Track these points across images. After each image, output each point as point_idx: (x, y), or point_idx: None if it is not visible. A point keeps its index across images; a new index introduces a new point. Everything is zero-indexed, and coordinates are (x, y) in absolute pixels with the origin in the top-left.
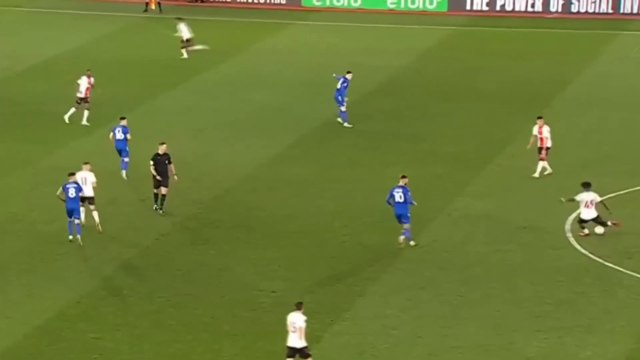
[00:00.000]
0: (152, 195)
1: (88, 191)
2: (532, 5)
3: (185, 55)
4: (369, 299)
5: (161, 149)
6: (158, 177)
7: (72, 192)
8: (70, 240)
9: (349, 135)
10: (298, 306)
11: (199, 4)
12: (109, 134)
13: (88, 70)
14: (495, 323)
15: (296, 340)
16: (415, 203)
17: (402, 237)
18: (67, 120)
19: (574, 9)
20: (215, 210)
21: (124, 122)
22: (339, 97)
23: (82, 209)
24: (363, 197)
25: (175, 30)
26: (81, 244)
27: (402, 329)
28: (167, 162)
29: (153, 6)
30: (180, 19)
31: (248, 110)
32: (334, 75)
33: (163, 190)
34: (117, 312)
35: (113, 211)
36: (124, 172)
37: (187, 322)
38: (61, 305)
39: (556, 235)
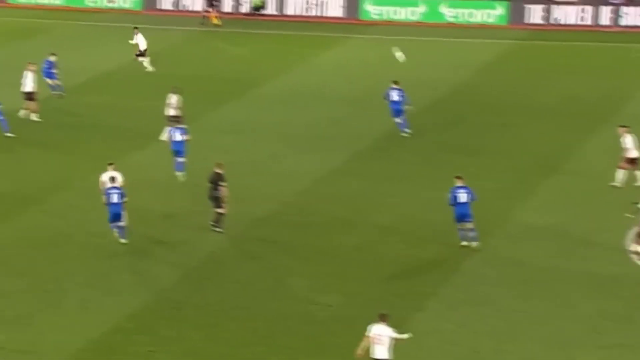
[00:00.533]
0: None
1: None
2: (582, 19)
3: (150, 68)
4: (426, 314)
5: (218, 169)
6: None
7: (114, 198)
8: (124, 244)
9: (405, 149)
10: (383, 318)
11: (255, 17)
12: (165, 135)
13: (175, 87)
14: (555, 339)
15: (384, 352)
16: (477, 198)
17: (475, 243)
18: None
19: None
20: (270, 224)
21: (181, 125)
22: (399, 108)
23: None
24: (419, 211)
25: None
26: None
27: (461, 344)
28: (220, 182)
29: (216, 21)
30: (137, 28)
31: (304, 125)
32: (387, 91)
33: (219, 209)
34: (173, 325)
35: (170, 224)
36: (179, 174)
37: (242, 336)
38: (116, 318)
39: (617, 250)
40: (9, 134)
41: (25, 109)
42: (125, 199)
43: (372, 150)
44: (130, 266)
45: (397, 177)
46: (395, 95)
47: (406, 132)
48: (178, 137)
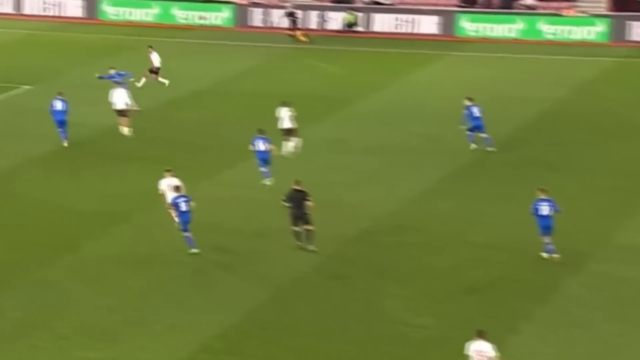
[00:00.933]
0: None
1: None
2: None
3: (164, 81)
4: (523, 337)
5: (298, 186)
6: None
7: (184, 206)
8: (194, 253)
9: (500, 167)
10: (481, 334)
11: (349, 34)
12: (249, 146)
13: (283, 101)
14: None
15: None
16: (561, 210)
17: (556, 255)
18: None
19: None
20: (362, 243)
21: (264, 135)
22: (481, 124)
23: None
24: (515, 230)
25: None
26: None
27: None
28: (305, 198)
29: (303, 38)
30: (151, 47)
31: (398, 143)
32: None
33: (309, 227)
34: (262, 345)
35: (260, 242)
36: (267, 180)
37: (334, 357)
38: (205, 337)
39: None
40: (65, 144)
41: (121, 124)
42: (192, 205)
43: (467, 168)
44: (219, 285)
45: (492, 195)
46: (476, 112)
47: (491, 148)
48: (262, 146)
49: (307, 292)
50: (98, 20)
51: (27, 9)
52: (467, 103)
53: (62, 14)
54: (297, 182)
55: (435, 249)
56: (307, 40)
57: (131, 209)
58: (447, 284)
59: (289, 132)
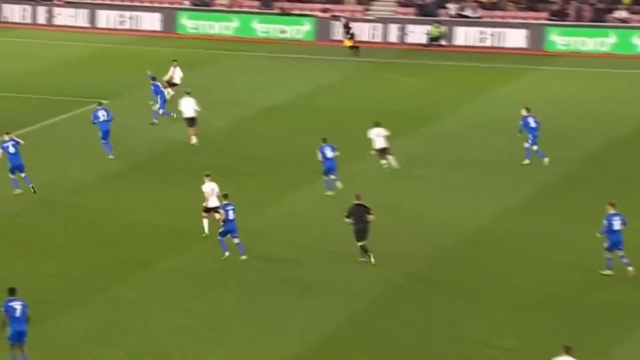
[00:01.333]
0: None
1: (215, 202)
2: None
3: (170, 93)
4: None
5: (359, 200)
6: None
7: (231, 214)
8: (226, 256)
9: (586, 185)
10: (567, 350)
11: (434, 48)
12: (318, 155)
13: (376, 122)
14: None
15: None
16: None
17: (631, 268)
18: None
19: None
20: (445, 262)
21: (329, 142)
22: (536, 135)
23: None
24: (599, 249)
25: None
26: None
27: None
28: (368, 213)
29: (349, 44)
30: (176, 61)
31: (483, 159)
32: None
33: (365, 242)
34: None
35: (338, 262)
36: (329, 192)
37: None
38: (282, 358)
39: None
40: (111, 156)
41: (190, 134)
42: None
43: (553, 185)
44: (297, 304)
45: (578, 213)
46: (532, 122)
47: (545, 161)
48: (329, 154)
49: (386, 312)
50: (176, 34)
51: (102, 23)
52: (524, 113)
53: (139, 28)
54: (358, 197)
55: (518, 267)
56: (353, 47)
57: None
58: (531, 304)
59: (383, 152)
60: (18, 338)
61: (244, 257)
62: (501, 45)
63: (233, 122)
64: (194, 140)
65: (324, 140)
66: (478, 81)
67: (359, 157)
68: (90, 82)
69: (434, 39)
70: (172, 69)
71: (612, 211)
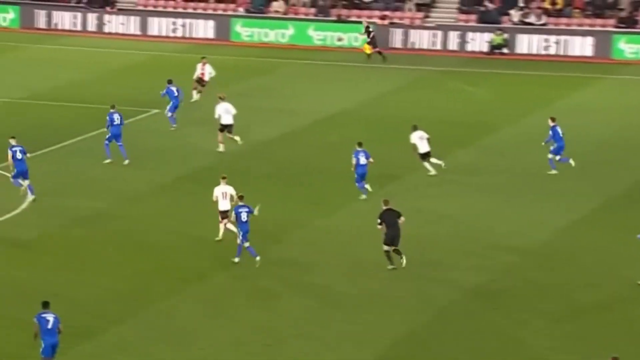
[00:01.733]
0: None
1: (227, 205)
2: None
3: (195, 97)
4: None
5: (388, 205)
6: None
7: (244, 216)
8: (235, 263)
9: None
10: None
11: (496, 56)
12: (352, 160)
13: (414, 125)
14: None
15: None
16: None
17: None
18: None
19: None
20: (509, 276)
21: (363, 148)
22: (562, 145)
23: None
24: None
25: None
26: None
27: None
28: (399, 218)
29: (368, 51)
30: (204, 58)
31: (544, 171)
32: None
33: (396, 247)
34: None
35: (397, 276)
36: (364, 197)
37: None
38: None
39: None
40: (126, 162)
41: (231, 138)
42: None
43: (621, 197)
44: (352, 319)
45: None
46: (560, 132)
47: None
48: (363, 160)
49: (447, 328)
50: (230, 41)
51: (154, 30)
52: (551, 123)
53: (192, 35)
54: (386, 202)
55: (582, 282)
56: (378, 53)
57: (259, 241)
58: (598, 323)
59: (426, 156)
60: (51, 350)
61: (257, 259)
62: (566, 53)
63: (288, 131)
64: (222, 147)
65: (360, 145)
66: (541, 91)
67: (419, 167)
68: (140, 91)
69: (496, 47)
70: (200, 65)
71: None
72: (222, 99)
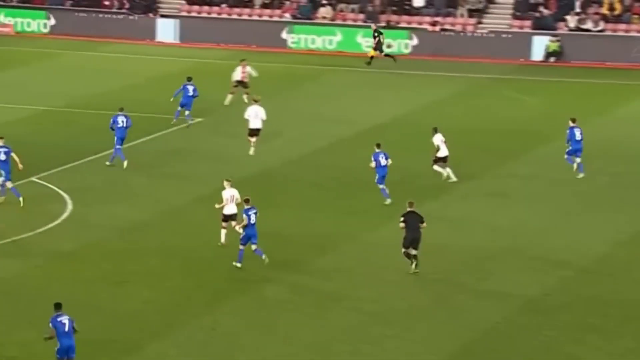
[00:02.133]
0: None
1: (234, 208)
2: None
3: (226, 102)
4: None
5: (413, 207)
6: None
7: (253, 218)
8: (238, 267)
9: None
10: None
11: (552, 63)
12: (372, 162)
13: (435, 127)
14: None
15: None
16: None
17: None
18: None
19: None
20: (564, 292)
21: (381, 149)
22: (579, 147)
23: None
24: None
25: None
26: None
27: None
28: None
29: (374, 54)
30: (244, 60)
31: (600, 182)
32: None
33: (416, 251)
34: None
35: (444, 289)
36: (388, 201)
37: None
38: None
39: None
40: (125, 165)
41: (251, 145)
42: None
43: None
44: (403, 334)
45: None
46: (578, 134)
47: (582, 175)
48: (383, 161)
49: (500, 345)
50: (276, 48)
51: (198, 36)
52: (571, 124)
53: (236, 42)
54: (411, 204)
55: None
56: (375, 55)
57: (305, 253)
58: None
59: (445, 160)
60: (67, 353)
61: (264, 258)
62: (626, 60)
63: (335, 140)
64: (252, 151)
65: (378, 146)
66: (598, 99)
67: (474, 177)
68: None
69: (551, 54)
70: (240, 68)
71: None
72: (255, 101)
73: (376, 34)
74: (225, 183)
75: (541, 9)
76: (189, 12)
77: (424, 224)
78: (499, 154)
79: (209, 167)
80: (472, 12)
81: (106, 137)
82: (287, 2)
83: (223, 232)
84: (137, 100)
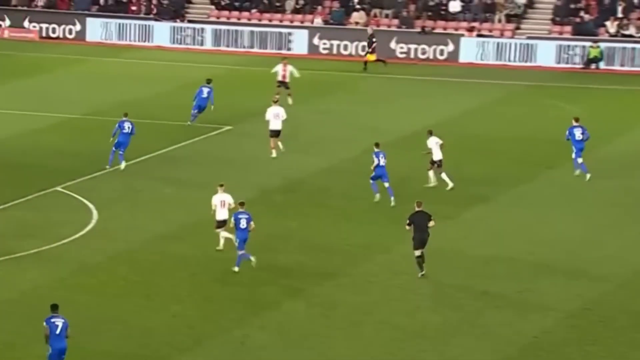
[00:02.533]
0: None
1: (225, 214)
2: None
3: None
4: None
5: (421, 207)
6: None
7: (243, 223)
8: (235, 272)
9: None
10: None
11: (593, 70)
12: (373, 160)
13: (430, 130)
14: None
15: None
16: None
17: None
18: None
19: None
20: (606, 306)
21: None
22: (580, 147)
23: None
24: None
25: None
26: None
27: None
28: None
29: (371, 59)
30: (285, 59)
31: None
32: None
33: (422, 251)
34: None
35: (487, 302)
36: (377, 196)
37: None
38: None
39: None
40: (123, 166)
41: (272, 147)
42: (252, 224)
43: None
44: (440, 349)
45: None
46: (579, 134)
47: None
48: (382, 161)
49: (540, 359)
50: (308, 54)
51: (226, 42)
52: (574, 123)
53: (266, 48)
54: (419, 204)
55: None
56: (372, 59)
57: (337, 265)
58: None
59: (440, 164)
60: (58, 356)
61: (252, 259)
62: None
63: (369, 148)
64: (274, 153)
65: (377, 146)
66: None
67: (512, 187)
68: (216, 107)
69: (592, 60)
70: (281, 66)
71: None
72: (274, 102)
73: (373, 39)
74: (218, 188)
75: (582, 14)
76: (218, 17)
77: (432, 223)
78: (536, 164)
79: (238, 176)
80: (510, 18)
81: (133, 146)
82: (319, 7)
83: (221, 237)
84: (165, 107)
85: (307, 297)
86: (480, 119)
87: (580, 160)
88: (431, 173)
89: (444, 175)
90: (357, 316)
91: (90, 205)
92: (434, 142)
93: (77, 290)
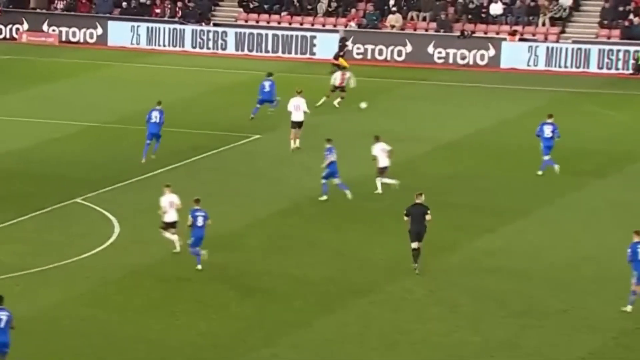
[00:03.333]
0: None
1: (174, 216)
2: None
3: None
4: None
5: (420, 199)
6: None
7: (200, 221)
8: (198, 270)
9: None
10: None
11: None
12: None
13: (376, 136)
14: None
15: None
16: None
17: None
18: None
19: None
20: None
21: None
22: (550, 145)
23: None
24: None
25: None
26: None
27: None
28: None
29: (344, 63)
30: (345, 67)
31: None
32: None
33: (419, 244)
34: None
35: (528, 323)
36: (347, 192)
37: None
38: None
39: None
40: (144, 160)
41: (292, 138)
42: (208, 222)
43: None
44: None
45: None
46: (549, 132)
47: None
48: (334, 157)
49: None
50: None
51: (254, 46)
52: (547, 120)
53: (296, 53)
54: (419, 195)
55: None
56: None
57: (373, 280)
58: None
59: (382, 171)
60: (0, 349)
61: (204, 252)
62: None
63: (406, 158)
64: (297, 143)
65: (329, 141)
66: None
67: (555, 199)
68: (241, 114)
69: None
70: (339, 73)
71: (636, 239)
72: (298, 92)
73: (346, 43)
74: (165, 189)
75: (631, 17)
76: (245, 20)
77: (429, 216)
78: (581, 175)
79: (268, 187)
80: (554, 21)
81: (156, 156)
82: (353, 10)
83: (174, 239)
84: (191, 114)
85: (341, 314)
86: (519, 128)
87: (547, 157)
88: (385, 180)
89: (380, 179)
90: (392, 335)
91: (112, 218)
92: (379, 149)
93: (98, 307)
